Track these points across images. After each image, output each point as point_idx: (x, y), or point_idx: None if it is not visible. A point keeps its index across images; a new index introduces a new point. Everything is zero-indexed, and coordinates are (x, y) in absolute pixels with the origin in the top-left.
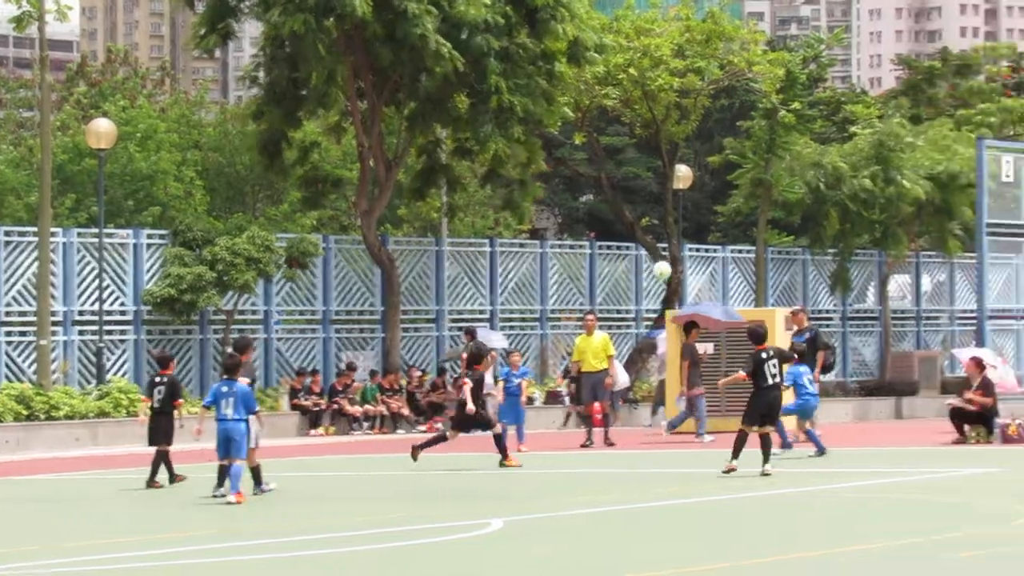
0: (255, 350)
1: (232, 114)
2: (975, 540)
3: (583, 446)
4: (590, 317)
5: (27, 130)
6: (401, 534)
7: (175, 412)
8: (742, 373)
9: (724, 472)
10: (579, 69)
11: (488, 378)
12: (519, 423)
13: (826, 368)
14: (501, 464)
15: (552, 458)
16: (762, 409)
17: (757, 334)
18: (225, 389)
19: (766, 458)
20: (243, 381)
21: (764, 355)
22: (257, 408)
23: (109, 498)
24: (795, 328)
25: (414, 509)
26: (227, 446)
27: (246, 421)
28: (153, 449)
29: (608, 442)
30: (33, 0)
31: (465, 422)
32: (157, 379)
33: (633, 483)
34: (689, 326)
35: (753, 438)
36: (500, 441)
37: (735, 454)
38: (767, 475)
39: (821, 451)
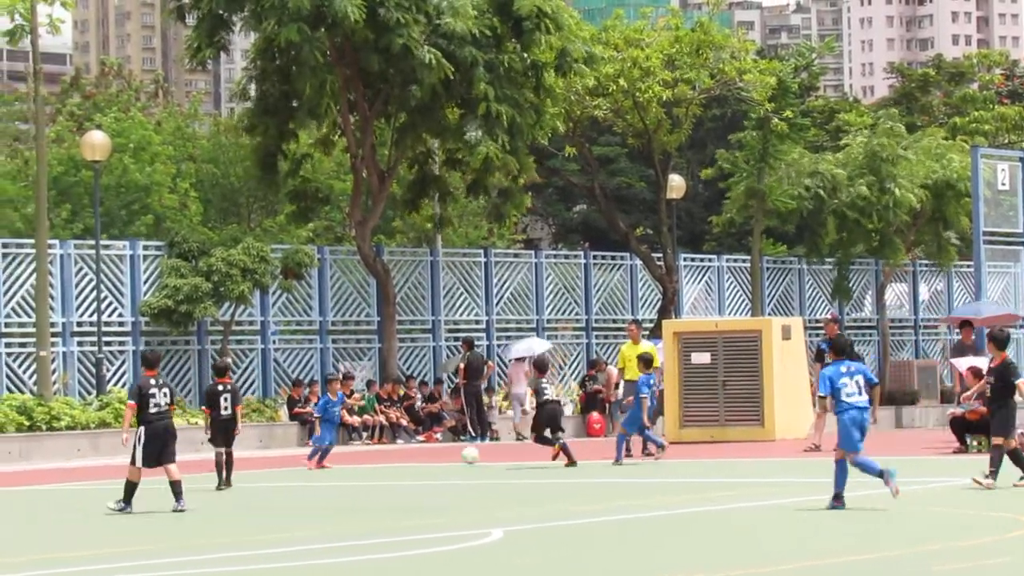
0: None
1: (225, 126)
2: (972, 551)
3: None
4: (634, 326)
5: (22, 142)
6: (402, 544)
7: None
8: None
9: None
10: (566, 81)
11: (522, 387)
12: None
13: None
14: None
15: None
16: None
17: (1000, 339)
18: None
19: None
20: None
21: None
22: None
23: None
24: (825, 336)
25: (413, 519)
26: None
27: None
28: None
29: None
30: (26, 13)
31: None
32: (220, 387)
33: (643, 492)
34: (964, 324)
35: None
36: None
37: None
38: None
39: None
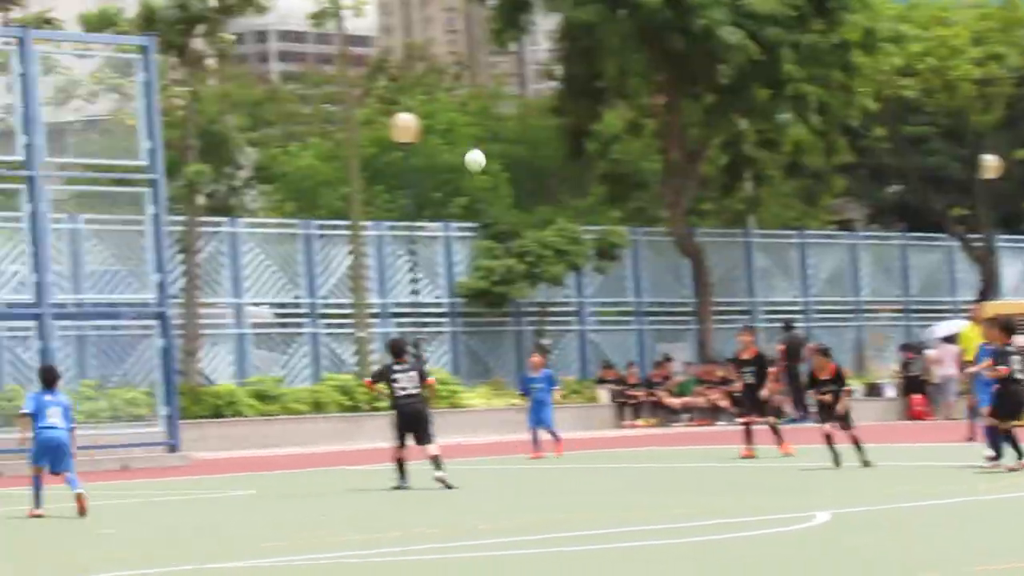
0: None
1: (533, 107)
2: None
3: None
4: (977, 307)
5: (332, 124)
6: (722, 527)
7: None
8: None
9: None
10: (874, 60)
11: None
12: (547, 426)
13: None
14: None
15: (903, 451)
16: None
17: None
18: (49, 398)
19: None
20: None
21: None
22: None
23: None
24: None
25: (736, 501)
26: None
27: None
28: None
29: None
30: None
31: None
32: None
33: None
34: None
35: None
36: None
37: None
38: None
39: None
